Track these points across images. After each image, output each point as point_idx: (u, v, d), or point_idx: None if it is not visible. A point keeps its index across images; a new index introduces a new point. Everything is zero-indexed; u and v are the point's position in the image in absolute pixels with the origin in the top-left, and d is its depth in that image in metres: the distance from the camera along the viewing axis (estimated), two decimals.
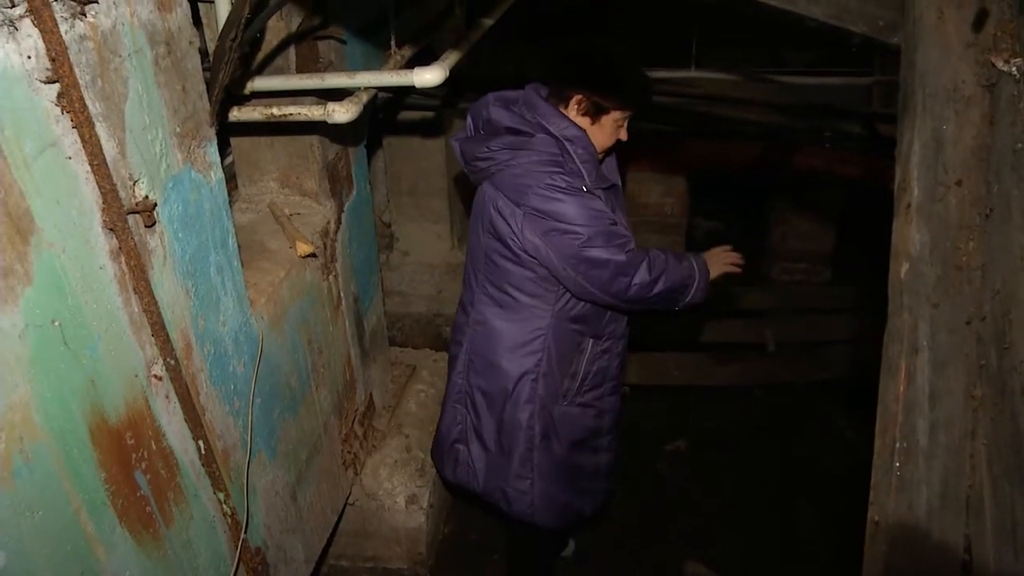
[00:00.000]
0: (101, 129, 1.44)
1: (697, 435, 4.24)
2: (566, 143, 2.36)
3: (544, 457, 2.70)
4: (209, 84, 1.83)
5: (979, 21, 1.18)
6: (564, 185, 2.33)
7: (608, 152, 2.57)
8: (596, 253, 2.34)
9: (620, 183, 2.65)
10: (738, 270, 2.60)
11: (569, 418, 2.69)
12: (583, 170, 2.37)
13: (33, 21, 1.27)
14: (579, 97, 2.37)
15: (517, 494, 2.75)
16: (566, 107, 2.40)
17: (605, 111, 2.39)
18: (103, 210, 1.48)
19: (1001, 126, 1.21)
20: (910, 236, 1.28)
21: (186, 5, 1.70)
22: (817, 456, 4.05)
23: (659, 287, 2.42)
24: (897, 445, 1.28)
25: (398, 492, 3.26)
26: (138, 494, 1.68)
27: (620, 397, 2.82)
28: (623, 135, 2.47)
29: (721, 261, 2.57)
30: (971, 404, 1.27)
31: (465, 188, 4.13)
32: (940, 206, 1.27)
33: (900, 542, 1.30)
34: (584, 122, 2.40)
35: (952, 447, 1.27)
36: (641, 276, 2.39)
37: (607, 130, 2.42)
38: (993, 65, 1.21)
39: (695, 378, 4.65)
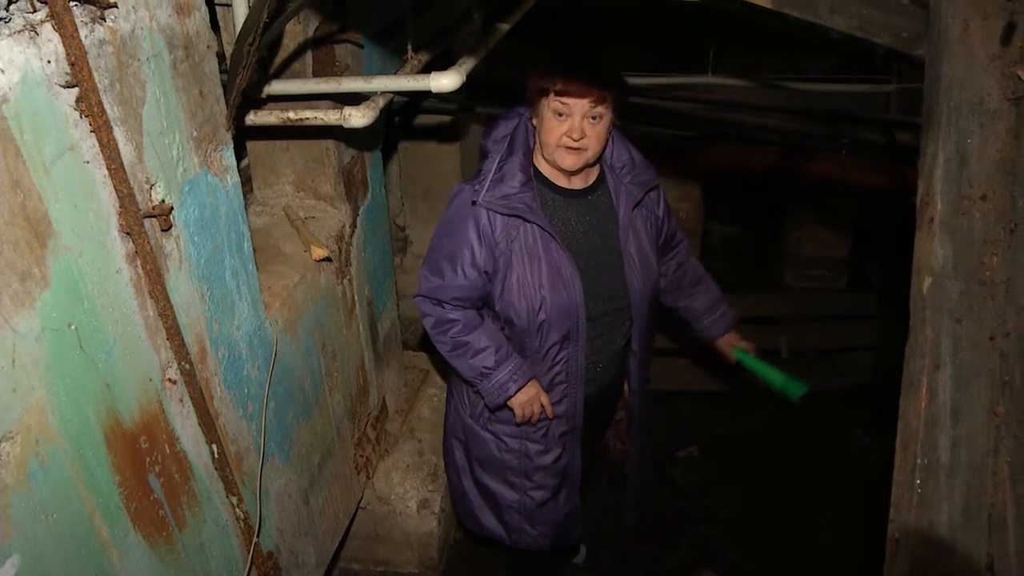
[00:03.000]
0: (119, 133, 1.44)
1: (710, 442, 4.22)
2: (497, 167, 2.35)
3: (456, 454, 2.80)
4: (226, 88, 1.83)
5: (1007, 35, 1.17)
6: (456, 200, 2.39)
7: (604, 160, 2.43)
8: (422, 268, 2.46)
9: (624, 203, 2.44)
10: (526, 419, 2.53)
11: (475, 436, 2.68)
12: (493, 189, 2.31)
13: (53, 26, 1.27)
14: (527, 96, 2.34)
15: (446, 474, 2.99)
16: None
17: (537, 100, 2.28)
18: (120, 214, 1.48)
19: None
20: (933, 250, 1.26)
21: (204, 9, 1.70)
22: (832, 463, 4.02)
23: (442, 351, 2.49)
24: (918, 462, 1.27)
25: (410, 496, 3.25)
26: (151, 498, 1.68)
27: (563, 457, 2.64)
28: (572, 132, 2.22)
29: (532, 403, 2.48)
30: (994, 421, 1.25)
31: None
32: (964, 220, 1.25)
33: (921, 560, 1.28)
34: (537, 123, 2.32)
35: (974, 464, 1.26)
36: (427, 322, 2.47)
37: (546, 125, 2.26)
38: (1020, 78, 1.19)
39: (708, 384, 4.62)
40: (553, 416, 2.54)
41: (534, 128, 2.37)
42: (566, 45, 2.32)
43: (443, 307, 2.42)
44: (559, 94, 2.21)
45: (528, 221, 2.30)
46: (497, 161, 2.33)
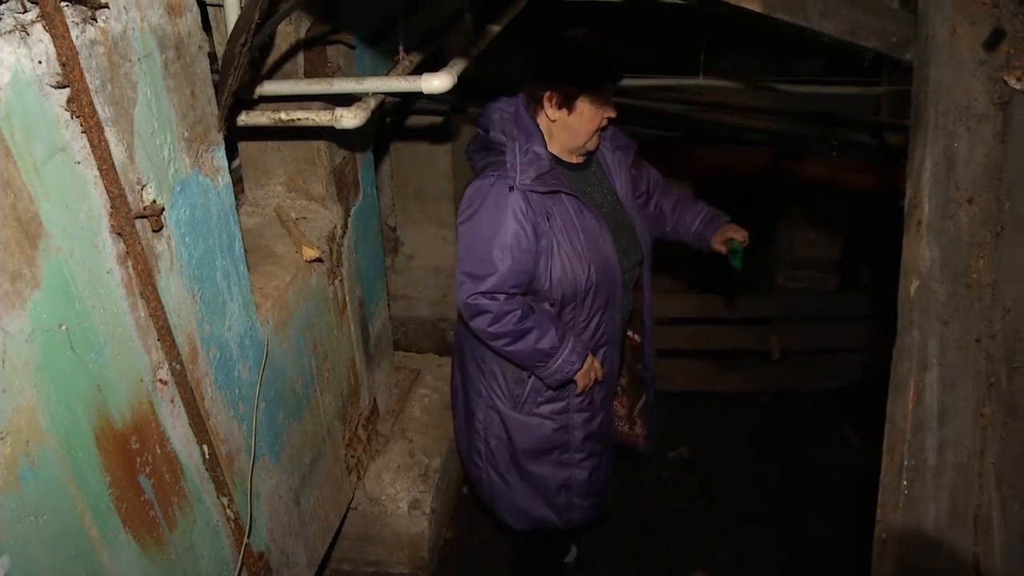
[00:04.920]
0: (110, 134, 1.44)
1: (702, 442, 4.22)
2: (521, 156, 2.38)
3: (496, 453, 2.76)
4: (218, 89, 1.83)
5: (993, 40, 1.18)
6: (487, 192, 2.37)
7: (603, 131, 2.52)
8: (462, 269, 2.41)
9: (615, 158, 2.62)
10: (585, 388, 2.60)
11: (521, 426, 2.68)
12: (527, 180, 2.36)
13: (45, 26, 1.27)
14: (548, 94, 2.36)
15: (475, 480, 2.91)
16: (542, 107, 2.39)
17: (575, 97, 2.34)
18: (111, 214, 1.48)
19: (1013, 144, 1.21)
20: (921, 253, 1.27)
21: (196, 10, 1.70)
22: (823, 465, 4.03)
23: (500, 344, 2.46)
24: (905, 463, 1.27)
25: (401, 497, 3.25)
26: (142, 498, 1.68)
27: (604, 419, 2.75)
28: (609, 112, 2.40)
29: (590, 371, 2.56)
30: (980, 422, 1.26)
31: None
32: (951, 223, 1.26)
33: (908, 560, 1.29)
34: (562, 115, 2.37)
35: (961, 465, 1.27)
36: (483, 320, 2.41)
37: (587, 116, 2.37)
38: (1005, 83, 1.20)
39: (700, 385, 4.63)
40: (601, 379, 2.63)
41: (532, 115, 2.44)
42: (601, 51, 2.37)
43: (498, 299, 2.39)
44: (606, 89, 2.37)
45: (565, 194, 2.40)
46: (519, 146, 2.38)
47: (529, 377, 2.59)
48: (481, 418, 2.75)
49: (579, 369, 2.50)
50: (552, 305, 2.49)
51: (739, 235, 2.77)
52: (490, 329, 2.41)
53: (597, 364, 2.58)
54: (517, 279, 2.38)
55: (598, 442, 2.76)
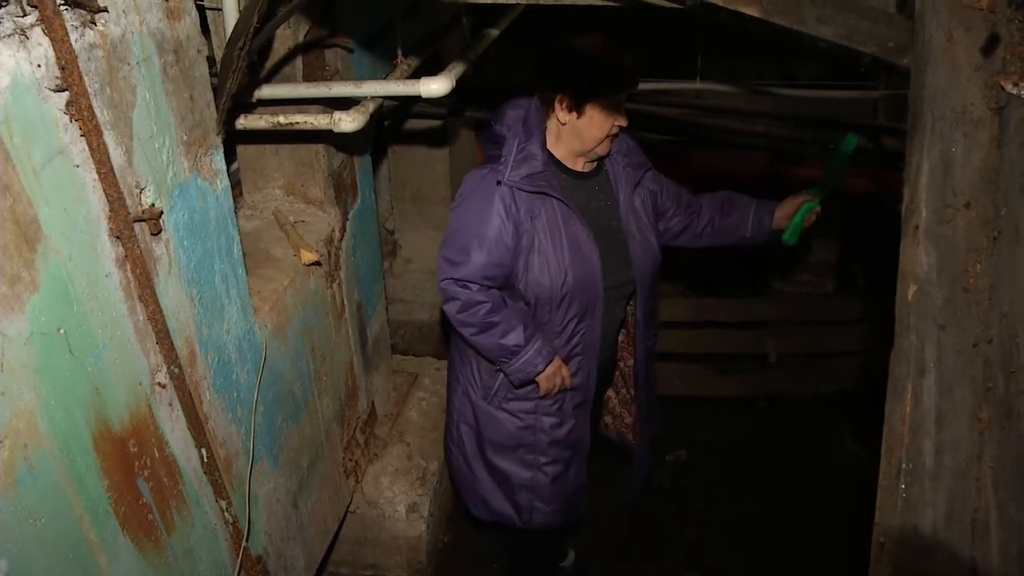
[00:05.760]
0: (109, 137, 1.45)
1: (698, 446, 4.22)
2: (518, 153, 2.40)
3: (465, 439, 2.79)
4: (216, 92, 1.83)
5: (989, 45, 1.18)
6: (479, 183, 2.41)
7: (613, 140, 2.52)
8: (442, 253, 2.48)
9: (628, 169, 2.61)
10: (549, 392, 2.60)
11: (489, 417, 2.70)
12: (519, 178, 2.38)
13: (44, 30, 1.28)
14: (559, 97, 2.38)
15: (448, 463, 2.98)
16: (553, 110, 2.40)
17: (585, 102, 2.36)
18: (110, 218, 1.48)
19: (1010, 149, 1.21)
20: (918, 258, 1.27)
21: (195, 14, 1.70)
22: (819, 469, 4.03)
23: (468, 333, 2.49)
24: (903, 466, 1.28)
25: (399, 500, 3.25)
26: (140, 502, 1.68)
27: (574, 428, 2.73)
28: (621, 121, 2.41)
29: (555, 375, 2.56)
30: (977, 427, 1.27)
31: None
32: (948, 228, 1.26)
33: (905, 564, 1.29)
34: (572, 118, 2.39)
35: (958, 469, 1.27)
36: (452, 306, 2.47)
37: (596, 121, 2.38)
38: (1002, 88, 1.21)
39: (697, 388, 4.63)
40: (571, 387, 2.63)
41: (541, 116, 2.46)
42: (615, 58, 2.38)
43: (470, 288, 2.43)
44: (618, 96, 2.38)
45: (552, 197, 2.40)
46: (517, 143, 2.40)
47: (499, 371, 2.61)
48: (456, 404, 2.79)
49: (542, 372, 2.51)
50: (528, 305, 2.50)
51: (807, 197, 2.76)
52: (458, 316, 2.46)
53: (566, 371, 2.58)
54: (491, 272, 2.41)
55: (566, 450, 2.75)
